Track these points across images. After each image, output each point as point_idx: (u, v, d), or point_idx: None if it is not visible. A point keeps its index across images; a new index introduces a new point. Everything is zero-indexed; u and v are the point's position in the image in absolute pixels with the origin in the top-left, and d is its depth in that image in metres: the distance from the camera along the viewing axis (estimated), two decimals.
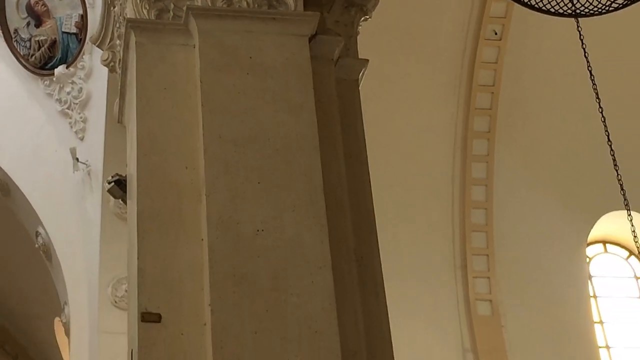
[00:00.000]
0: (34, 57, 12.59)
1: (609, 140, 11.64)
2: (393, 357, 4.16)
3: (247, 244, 3.77)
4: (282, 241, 3.80)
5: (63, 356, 14.74)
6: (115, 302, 12.99)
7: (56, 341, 15.41)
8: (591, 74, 11.22)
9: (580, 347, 15.28)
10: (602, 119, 11.66)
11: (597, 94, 11.43)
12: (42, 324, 16.33)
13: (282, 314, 3.65)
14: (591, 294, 15.82)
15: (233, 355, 3.49)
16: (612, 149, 11.66)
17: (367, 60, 5.22)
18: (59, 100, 12.64)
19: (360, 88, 5.16)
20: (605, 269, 16.35)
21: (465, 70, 14.77)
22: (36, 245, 14.39)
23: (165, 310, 3.61)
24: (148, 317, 3.57)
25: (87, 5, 11.27)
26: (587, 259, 16.09)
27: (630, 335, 15.76)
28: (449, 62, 14.72)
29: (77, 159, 13.47)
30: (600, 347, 15.44)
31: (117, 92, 5.14)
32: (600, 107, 11.51)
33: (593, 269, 16.19)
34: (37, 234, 14.41)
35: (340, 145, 4.49)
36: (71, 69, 12.19)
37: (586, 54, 11.30)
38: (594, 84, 11.37)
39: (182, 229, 3.87)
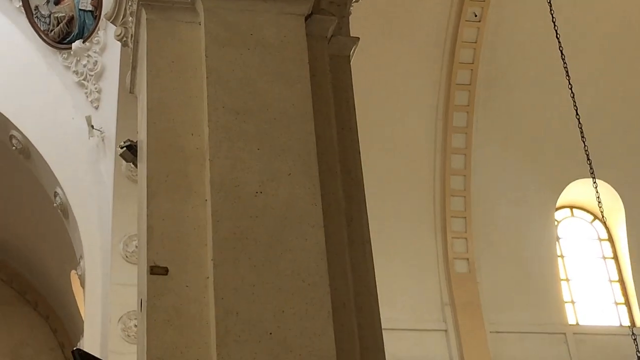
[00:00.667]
0: (53, 32, 12.58)
1: (577, 114, 11.65)
2: (378, 309, 4.17)
3: (247, 204, 3.77)
4: (278, 202, 3.80)
5: (78, 305, 14.78)
6: (127, 256, 13.02)
7: (72, 291, 15.43)
8: (562, 54, 11.22)
9: (548, 301, 15.34)
10: (572, 94, 11.64)
11: (567, 71, 11.43)
12: (60, 276, 16.34)
13: (278, 268, 3.66)
14: (558, 253, 15.87)
15: (232, 306, 3.50)
16: (579, 122, 11.66)
17: (358, 38, 5.21)
18: (76, 72, 12.64)
19: (351, 64, 5.15)
20: (571, 231, 16.41)
21: (447, 49, 14.74)
22: (54, 205, 14.38)
23: (172, 264, 3.62)
24: (156, 270, 3.58)
25: None
26: (556, 222, 16.13)
27: (592, 291, 15.84)
28: (432, 42, 14.69)
29: (92, 126, 13.43)
30: (565, 302, 15.50)
31: (129, 64, 5.11)
32: (569, 83, 11.50)
33: (561, 231, 16.25)
34: (55, 194, 14.39)
35: (332, 116, 4.47)
36: (87, 43, 12.18)
37: (558, 35, 11.29)
38: (564, 63, 11.37)
39: (188, 190, 3.87)
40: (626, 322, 14.41)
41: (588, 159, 11.68)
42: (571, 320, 15.33)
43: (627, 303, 14.80)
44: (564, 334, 15.00)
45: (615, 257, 15.82)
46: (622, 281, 15.34)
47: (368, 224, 4.43)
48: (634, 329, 12.15)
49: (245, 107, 4.04)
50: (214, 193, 3.77)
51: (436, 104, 15.25)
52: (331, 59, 4.73)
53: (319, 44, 4.58)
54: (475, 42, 14.65)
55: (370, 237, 4.43)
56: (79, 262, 14.13)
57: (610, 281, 15.57)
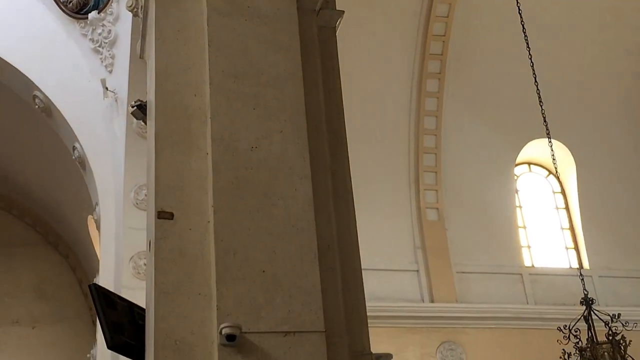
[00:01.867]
0: (71, 3, 12.59)
1: (535, 81, 11.68)
2: (358, 251, 4.19)
3: (243, 157, 3.76)
4: (271, 156, 3.79)
5: (94, 246, 14.81)
6: (137, 203, 13.03)
7: (89, 234, 15.45)
8: (524, 27, 11.25)
9: (507, 246, 15.44)
10: (531, 64, 11.69)
11: (527, 43, 11.49)
12: (78, 220, 16.36)
13: (271, 214, 3.66)
14: (517, 204, 15.95)
15: (230, 247, 3.50)
16: (538, 89, 11.71)
17: (343, 12, 5.17)
18: (92, 40, 12.64)
19: (337, 34, 5.13)
20: (528, 185, 16.50)
21: (422, 23, 14.70)
22: (73, 158, 14.36)
23: (177, 210, 3.61)
24: (163, 215, 3.57)
25: None
26: (515, 177, 16.20)
27: (546, 238, 15.95)
28: (409, 16, 14.64)
29: (107, 88, 13.38)
30: (522, 247, 15.62)
31: (139, 33, 5.07)
32: (529, 54, 11.55)
33: (519, 184, 16.33)
34: (74, 148, 14.35)
35: (319, 81, 4.45)
36: (102, 14, 12.17)
37: (520, 11, 11.30)
38: (525, 36, 11.41)
39: (191, 145, 3.85)
40: (575, 265, 14.53)
41: (545, 121, 11.72)
42: (527, 263, 15.46)
43: (576, 248, 14.93)
44: (521, 274, 15.13)
45: (567, 208, 15.93)
46: (572, 229, 15.47)
47: (350, 176, 4.42)
48: (581, 270, 12.23)
49: (243, 71, 4.01)
50: (214, 147, 3.76)
51: (412, 72, 15.24)
52: (319, 30, 4.70)
53: (308, 17, 4.55)
54: (447, 17, 14.62)
55: (352, 188, 4.44)
56: (95, 208, 14.14)
57: (562, 229, 15.69)
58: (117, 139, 13.57)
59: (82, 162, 14.12)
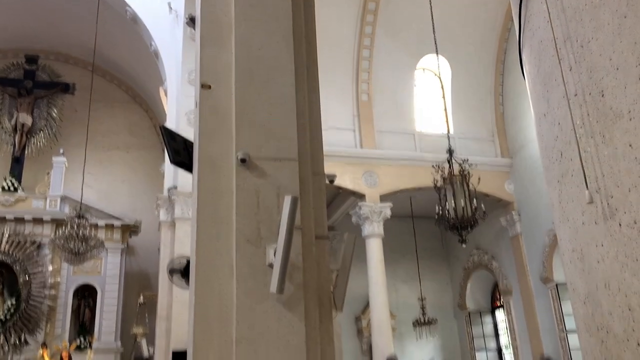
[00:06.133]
0: None
1: (430, 7, 11.30)
2: (320, 116, 4.15)
3: (253, 55, 3.66)
4: (271, 55, 3.70)
5: (164, 105, 14.58)
6: (189, 81, 12.82)
7: (160, 98, 15.19)
8: None
9: (407, 118, 15.49)
10: (430, 4, 11.27)
11: None
12: (154, 89, 16.07)
13: (270, 91, 3.62)
14: (414, 94, 15.92)
15: (244, 108, 3.47)
16: (431, 12, 11.32)
17: None
18: None
19: None
20: (423, 82, 16.41)
21: None
22: (150, 51, 13.92)
23: (213, 84, 3.55)
24: (204, 87, 3.51)
25: None
26: (414, 78, 16.07)
27: (431, 114, 15.99)
28: None
29: (171, 7, 12.89)
30: (415, 119, 15.67)
31: None
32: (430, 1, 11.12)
33: (416, 82, 16.19)
34: (151, 44, 13.91)
35: (301, 6, 4.29)
36: None
37: None
38: None
39: (222, 45, 3.73)
40: (445, 131, 14.74)
41: (435, 41, 11.51)
42: (418, 128, 15.62)
43: (447, 121, 15.05)
44: (413, 134, 15.31)
45: (444, 96, 15.93)
46: (445, 110, 15.54)
47: (317, 71, 4.36)
48: (449, 134, 12.42)
49: (257, 2, 3.85)
50: (236, 48, 3.65)
51: (357, 13, 14.79)
52: None
53: None
54: None
55: (318, 79, 4.38)
56: (164, 82, 13.90)
57: (443, 110, 15.75)
58: (177, 40, 13.21)
59: (156, 54, 13.75)
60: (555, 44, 2.54)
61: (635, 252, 2.13)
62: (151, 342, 12.45)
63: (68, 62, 18.14)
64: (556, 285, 13.66)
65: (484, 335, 17.17)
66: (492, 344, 17.17)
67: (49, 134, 17.25)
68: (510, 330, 15.56)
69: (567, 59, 2.47)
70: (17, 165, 16.36)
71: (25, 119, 16.68)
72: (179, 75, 13.06)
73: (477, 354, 16.95)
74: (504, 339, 16.65)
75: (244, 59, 3.96)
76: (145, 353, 12.08)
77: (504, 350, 16.81)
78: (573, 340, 12.98)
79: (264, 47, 3.99)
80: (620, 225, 2.19)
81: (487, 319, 17.38)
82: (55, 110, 17.47)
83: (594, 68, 2.36)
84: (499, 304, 16.84)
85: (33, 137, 17.07)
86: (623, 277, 2.16)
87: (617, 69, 2.27)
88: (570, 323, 13.14)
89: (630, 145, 2.19)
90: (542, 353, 13.82)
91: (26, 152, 16.75)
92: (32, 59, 17.52)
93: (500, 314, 16.93)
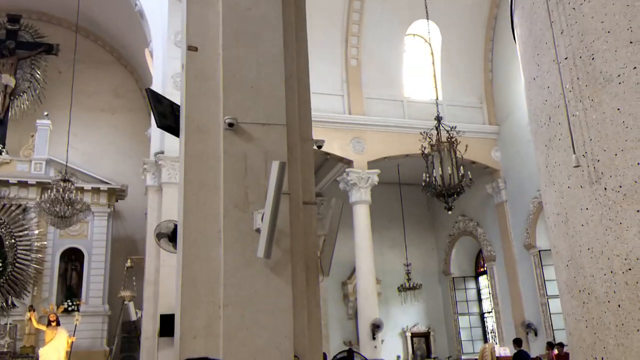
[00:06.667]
0: None
1: None
2: (308, 80, 4.09)
3: (242, 15, 3.58)
4: (259, 14, 3.61)
5: (149, 67, 14.31)
6: (176, 43, 12.57)
7: (146, 60, 14.92)
8: None
9: (396, 84, 15.41)
10: None
11: None
12: (139, 50, 15.75)
13: (257, 51, 3.55)
14: (404, 60, 15.78)
15: (231, 70, 3.41)
16: None
17: None
18: None
19: None
20: (412, 48, 16.26)
21: None
22: (135, 10, 13.63)
23: (199, 45, 3.47)
24: (191, 48, 3.43)
25: None
26: (404, 44, 15.90)
27: (420, 81, 15.91)
28: None
29: None
30: (404, 85, 15.60)
31: None
32: None
33: (406, 47, 16.02)
34: (135, 4, 13.61)
35: None
36: None
37: None
38: None
39: (210, 5, 3.64)
40: (433, 97, 14.69)
41: (425, 6, 11.36)
42: (407, 94, 15.55)
43: (435, 87, 14.98)
44: (402, 101, 15.26)
45: (433, 63, 15.80)
46: (434, 76, 15.44)
47: (306, 33, 4.27)
48: (437, 100, 12.38)
49: None
50: (224, 8, 3.57)
51: None
52: None
53: None
54: None
55: (307, 41, 4.30)
56: (149, 44, 13.63)
57: (432, 77, 15.64)
58: (163, 1, 12.90)
59: (141, 14, 13.45)
60: (548, 6, 2.50)
61: (620, 215, 2.15)
62: (139, 306, 12.53)
63: (51, 21, 17.66)
64: (539, 252, 13.89)
65: (467, 300, 17.51)
66: (474, 309, 17.53)
67: (32, 96, 16.89)
68: (492, 296, 15.87)
69: (558, 22, 2.44)
70: (0, 128, 16.08)
71: (8, 80, 16.30)
72: (164, 37, 12.77)
73: (460, 318, 17.31)
74: (487, 304, 16.99)
75: (232, 19, 3.85)
76: (133, 316, 12.17)
77: (486, 315, 17.18)
78: (554, 305, 13.29)
79: (252, 8, 3.89)
80: (605, 189, 2.20)
81: (471, 285, 17.70)
82: (38, 72, 17.07)
83: (585, 31, 2.33)
84: (482, 270, 17.12)
85: (16, 99, 16.72)
86: (606, 240, 2.19)
87: (609, 32, 2.24)
88: (551, 289, 13.42)
89: (618, 110, 2.19)
90: (524, 319, 14.15)
91: (9, 114, 16.43)
92: (14, 19, 17.01)
93: (483, 280, 17.24)
